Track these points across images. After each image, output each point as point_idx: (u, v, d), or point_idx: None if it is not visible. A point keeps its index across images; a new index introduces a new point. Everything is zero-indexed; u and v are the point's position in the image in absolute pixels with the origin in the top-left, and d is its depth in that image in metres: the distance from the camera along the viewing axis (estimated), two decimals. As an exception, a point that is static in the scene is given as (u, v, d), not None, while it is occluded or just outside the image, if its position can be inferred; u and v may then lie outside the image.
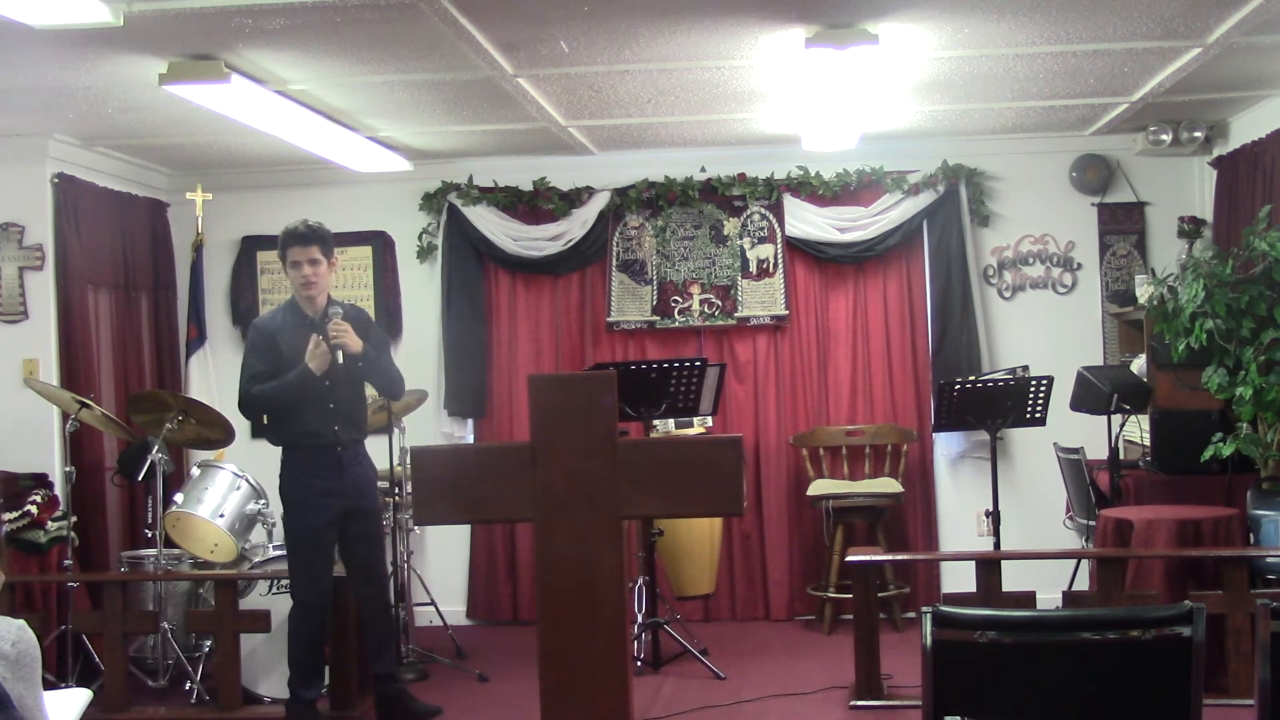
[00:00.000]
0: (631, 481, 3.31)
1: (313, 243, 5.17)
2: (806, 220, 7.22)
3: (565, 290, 7.41)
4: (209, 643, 5.86)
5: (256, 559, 5.92)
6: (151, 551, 6.03)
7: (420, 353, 7.42)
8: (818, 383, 7.29)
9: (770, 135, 6.80)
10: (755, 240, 7.29)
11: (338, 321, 5.10)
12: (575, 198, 7.34)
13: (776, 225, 7.26)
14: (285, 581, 5.77)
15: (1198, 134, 6.78)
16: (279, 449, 5.33)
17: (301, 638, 5.20)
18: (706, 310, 7.29)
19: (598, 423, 3.31)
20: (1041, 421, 5.87)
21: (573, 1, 4.35)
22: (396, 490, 6.30)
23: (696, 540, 6.69)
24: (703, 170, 7.30)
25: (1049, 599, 5.89)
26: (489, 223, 7.36)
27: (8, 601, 5.32)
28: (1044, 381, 5.80)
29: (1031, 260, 7.28)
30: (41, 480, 6.04)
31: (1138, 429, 6.46)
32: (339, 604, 5.53)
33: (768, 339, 7.30)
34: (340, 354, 5.09)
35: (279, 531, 6.16)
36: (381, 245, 7.50)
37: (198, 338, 7.23)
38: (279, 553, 5.93)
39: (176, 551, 6.05)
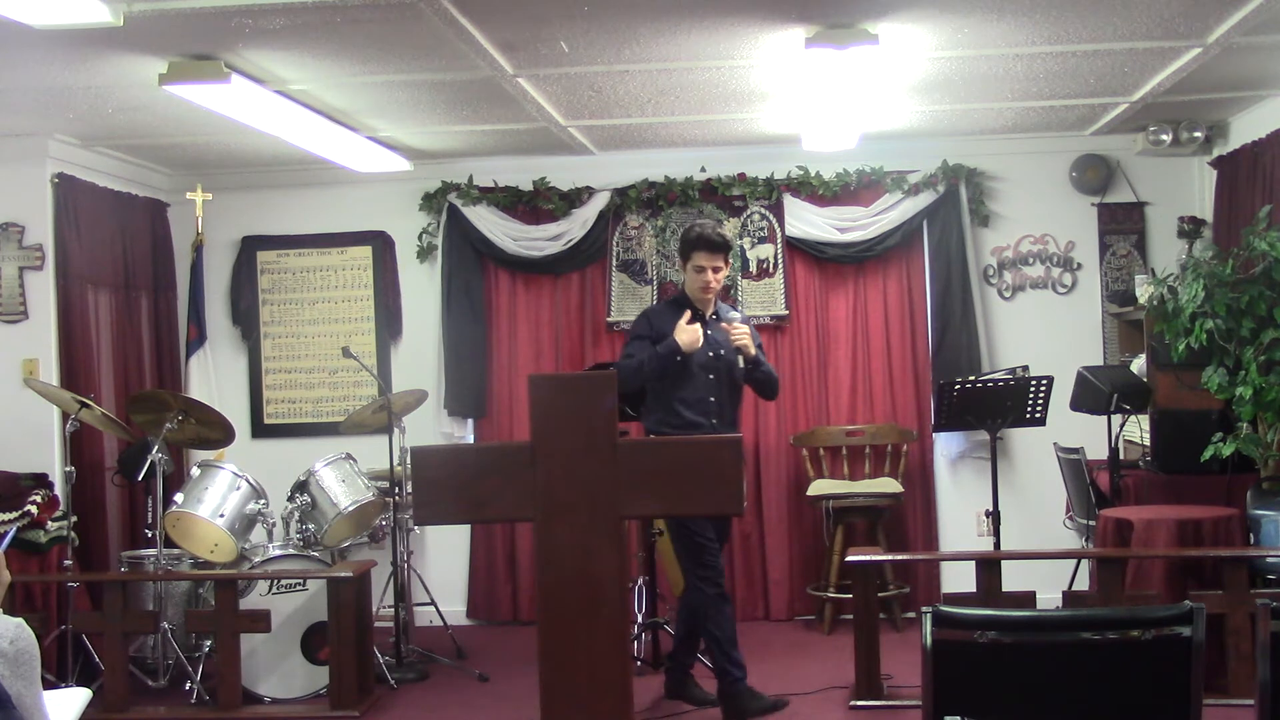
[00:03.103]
0: (631, 481, 3.31)
1: (721, 251, 5.22)
2: (806, 220, 7.22)
3: (565, 290, 7.41)
4: (209, 643, 5.85)
5: (256, 559, 5.92)
6: (151, 551, 6.03)
7: (420, 353, 7.43)
8: (818, 383, 7.29)
9: (770, 135, 6.80)
10: (755, 240, 7.29)
11: (738, 325, 5.20)
12: (575, 198, 7.34)
13: (776, 225, 7.26)
14: (285, 581, 5.79)
15: (1198, 134, 6.78)
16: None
17: (719, 618, 5.20)
18: (706, 310, 7.28)
19: (598, 423, 3.31)
20: (1041, 421, 5.87)
21: (573, 1, 4.35)
22: (396, 490, 6.30)
23: (696, 540, 6.67)
24: (703, 170, 7.30)
25: (1049, 599, 5.89)
26: (489, 223, 7.36)
27: (8, 601, 5.32)
28: (1044, 381, 5.80)
29: (1031, 260, 7.28)
30: (41, 480, 6.04)
31: (1138, 429, 6.46)
32: (339, 604, 5.54)
33: (768, 339, 7.28)
34: (741, 358, 5.21)
35: (279, 531, 6.18)
36: (381, 245, 7.50)
37: (198, 338, 7.23)
38: (279, 553, 5.93)
39: (176, 551, 6.05)
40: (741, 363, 5.23)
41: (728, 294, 7.26)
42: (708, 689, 5.42)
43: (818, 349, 7.28)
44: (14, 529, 5.51)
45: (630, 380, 5.22)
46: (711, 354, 5.22)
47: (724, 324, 5.24)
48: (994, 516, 5.92)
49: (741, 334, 5.20)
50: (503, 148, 7.01)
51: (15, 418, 6.18)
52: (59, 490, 6.00)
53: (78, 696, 3.82)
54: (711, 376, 5.23)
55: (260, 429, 7.54)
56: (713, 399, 5.22)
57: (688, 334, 5.10)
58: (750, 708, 5.22)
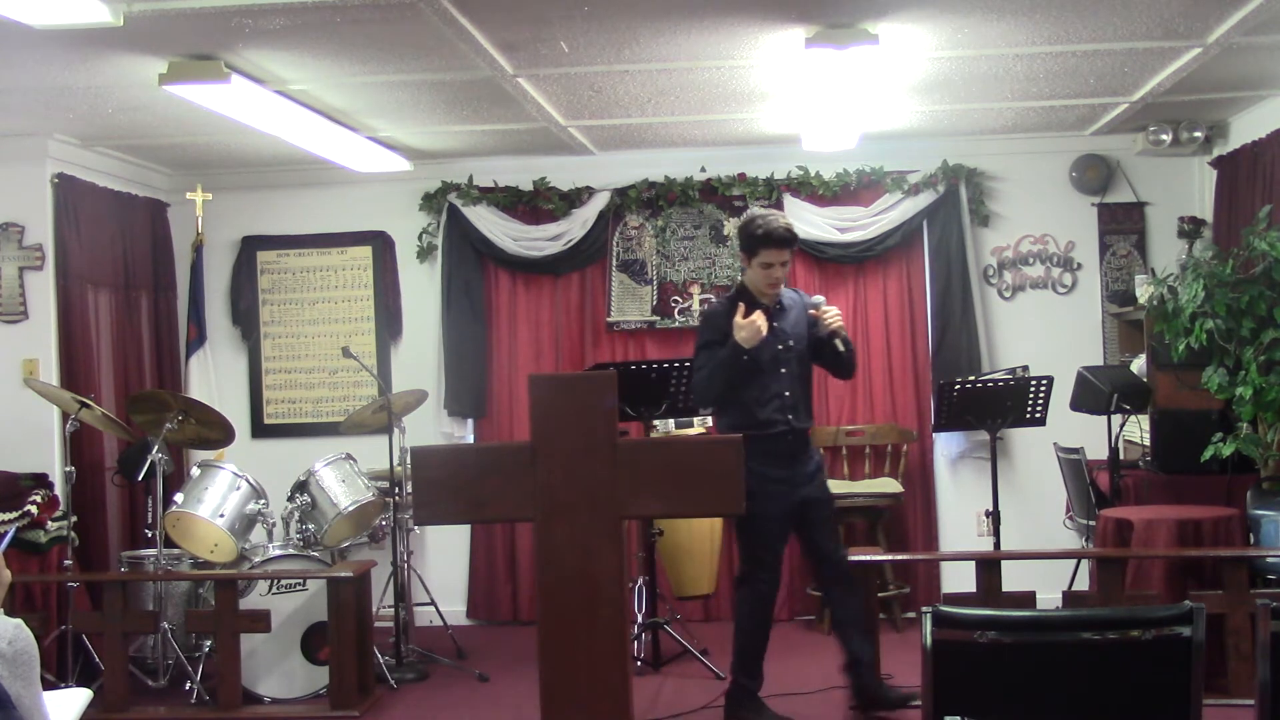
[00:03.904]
0: (631, 481, 3.31)
1: (789, 246, 5.06)
2: (806, 220, 7.21)
3: (565, 290, 7.41)
4: (209, 643, 5.85)
5: (256, 559, 5.92)
6: (151, 551, 6.03)
7: (420, 353, 7.43)
8: (818, 383, 7.24)
9: (770, 135, 6.80)
10: (755, 240, 7.27)
11: (826, 309, 5.05)
12: (575, 198, 7.34)
13: (776, 225, 7.25)
14: (285, 581, 5.79)
15: (1198, 134, 6.78)
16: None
17: (753, 625, 5.14)
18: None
19: (598, 423, 3.32)
20: (1041, 421, 5.87)
21: (573, 1, 4.35)
22: (396, 490, 6.30)
23: (696, 540, 6.68)
24: (703, 170, 7.30)
25: (1049, 599, 5.88)
26: (489, 223, 7.36)
27: (8, 602, 5.32)
28: (1044, 381, 5.80)
29: (1031, 260, 7.28)
30: (41, 480, 6.04)
31: (1138, 429, 6.46)
32: (339, 604, 5.54)
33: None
34: (839, 340, 5.05)
35: (279, 531, 6.18)
36: (381, 245, 7.50)
37: (198, 338, 7.23)
38: (279, 553, 5.93)
39: (176, 551, 6.05)
40: (840, 345, 5.05)
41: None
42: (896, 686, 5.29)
43: (818, 349, 7.28)
44: (14, 529, 5.50)
45: (705, 394, 5.11)
46: (781, 346, 5.06)
47: (812, 310, 5.07)
48: (994, 516, 5.92)
49: (836, 315, 5.05)
50: (503, 148, 7.01)
51: (15, 418, 6.18)
52: (59, 490, 6.00)
53: (78, 696, 3.82)
54: (783, 370, 5.07)
55: (260, 429, 7.54)
56: (787, 393, 5.06)
57: (746, 329, 4.89)
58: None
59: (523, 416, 7.23)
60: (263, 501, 6.09)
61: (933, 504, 7.29)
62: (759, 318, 4.91)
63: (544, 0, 4.36)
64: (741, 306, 4.98)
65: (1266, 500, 5.56)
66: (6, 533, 5.08)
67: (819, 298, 5.21)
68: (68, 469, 5.75)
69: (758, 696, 5.16)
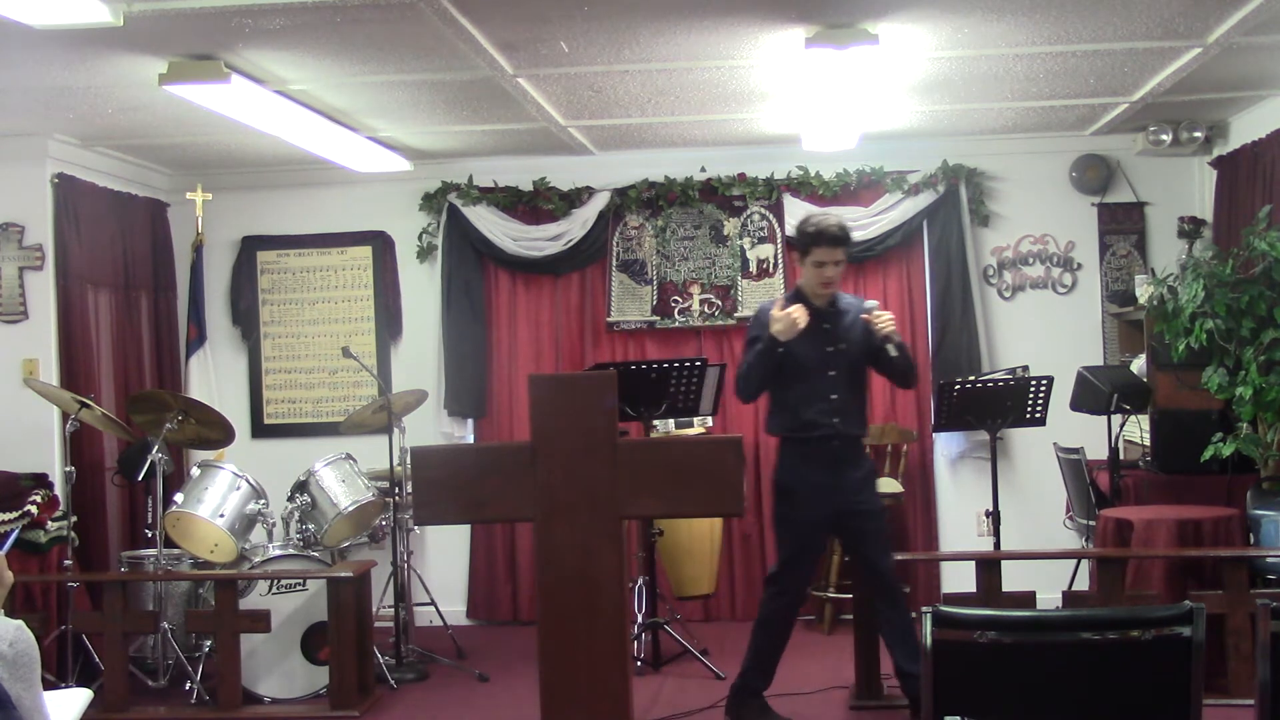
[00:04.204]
0: (631, 481, 3.31)
1: (842, 245, 4.99)
2: (806, 220, 7.22)
3: (565, 290, 7.41)
4: (209, 643, 5.85)
5: (256, 559, 5.92)
6: (151, 551, 6.03)
7: (420, 353, 7.43)
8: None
9: (770, 135, 6.80)
10: (755, 240, 7.29)
11: (880, 314, 4.97)
12: (575, 198, 7.34)
13: (776, 225, 7.26)
14: (285, 581, 5.79)
15: (1198, 134, 6.78)
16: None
17: (770, 627, 5.07)
18: (706, 310, 7.29)
19: (598, 423, 3.32)
20: (1041, 421, 5.87)
21: (573, 1, 4.35)
22: (396, 490, 6.30)
23: (696, 540, 6.68)
24: (703, 170, 7.30)
25: (1049, 599, 5.88)
26: (489, 223, 7.36)
27: (8, 602, 5.32)
28: (1044, 381, 5.80)
29: (1031, 260, 7.28)
30: (41, 480, 6.03)
31: (1138, 429, 6.46)
32: (339, 604, 5.54)
33: (768, 339, 7.29)
34: (891, 345, 4.95)
35: (279, 531, 6.18)
36: (381, 245, 7.50)
37: (198, 338, 7.23)
38: (279, 553, 5.94)
39: (176, 551, 6.05)
40: (892, 350, 4.96)
41: (728, 294, 7.27)
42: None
43: (818, 349, 7.27)
44: (16, 531, 5.50)
45: (743, 388, 5.05)
46: (831, 349, 4.98)
47: (864, 314, 4.99)
48: (994, 516, 5.92)
49: (889, 320, 4.97)
50: (503, 148, 7.01)
51: (15, 418, 6.18)
52: (59, 490, 6.00)
53: (78, 697, 3.83)
54: (832, 373, 4.97)
55: (260, 429, 7.54)
56: (834, 396, 4.95)
57: (782, 320, 4.83)
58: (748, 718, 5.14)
59: (523, 416, 7.23)
60: (263, 501, 6.09)
61: (933, 504, 7.29)
62: (796, 311, 4.86)
63: (544, 0, 4.36)
64: (779, 300, 4.96)
65: (1266, 500, 5.56)
66: (9, 536, 5.08)
67: (872, 302, 5.13)
68: (68, 469, 5.75)
69: (762, 696, 5.15)
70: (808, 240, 4.97)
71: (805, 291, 5.06)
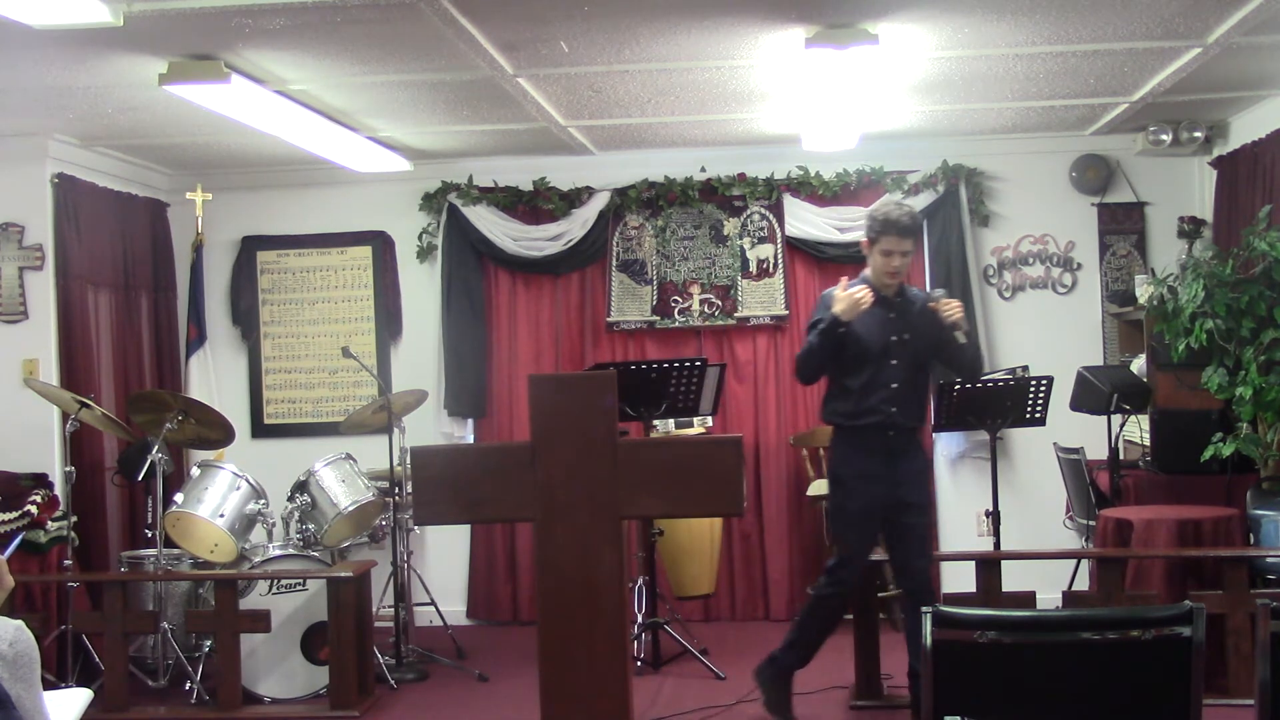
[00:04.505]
0: (631, 481, 3.31)
1: (911, 235, 4.96)
2: (806, 220, 7.22)
3: (565, 290, 7.41)
4: (209, 643, 5.85)
5: (256, 559, 5.92)
6: (151, 551, 6.03)
7: (420, 353, 7.43)
8: (818, 383, 7.27)
9: (770, 135, 6.80)
10: (755, 240, 7.29)
11: (948, 302, 4.93)
12: (575, 198, 7.34)
13: (776, 225, 7.26)
14: (285, 581, 5.79)
15: (1198, 134, 6.78)
16: None
17: (819, 614, 5.05)
18: (706, 310, 7.29)
19: (598, 423, 3.32)
20: (1041, 421, 5.87)
21: (573, 1, 4.35)
22: (396, 490, 6.30)
23: (696, 540, 6.69)
24: (703, 170, 7.30)
25: (1049, 599, 5.89)
26: (489, 223, 7.36)
27: (7, 603, 5.32)
28: (1044, 381, 5.80)
29: (1031, 260, 7.28)
30: (41, 480, 6.04)
31: (1138, 429, 6.46)
32: (339, 604, 5.54)
33: (768, 339, 7.30)
34: (960, 333, 4.91)
35: (279, 531, 6.18)
36: (381, 245, 7.50)
37: (198, 338, 7.23)
38: (279, 553, 5.94)
39: (176, 551, 6.05)
40: (961, 337, 4.92)
41: (727, 294, 7.27)
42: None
43: (818, 349, 7.27)
44: (20, 535, 5.49)
45: (803, 368, 5.03)
46: (894, 338, 4.93)
47: (931, 303, 4.95)
48: (994, 516, 5.92)
49: (956, 308, 4.92)
50: (503, 148, 7.01)
51: (15, 418, 6.18)
52: (59, 490, 6.00)
53: (78, 697, 3.82)
54: (894, 362, 4.92)
55: (260, 429, 7.54)
56: (895, 385, 4.91)
57: (845, 300, 4.79)
58: (772, 698, 5.14)
59: (523, 416, 7.23)
60: (263, 501, 6.09)
61: (933, 504, 7.28)
62: (860, 291, 4.83)
63: (544, 0, 4.36)
64: (844, 280, 4.92)
65: (1266, 500, 5.56)
66: (13, 540, 5.05)
67: (940, 290, 5.10)
68: (68, 469, 5.75)
69: (790, 675, 5.13)
70: (877, 229, 4.93)
71: (872, 281, 5.01)
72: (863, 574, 5.17)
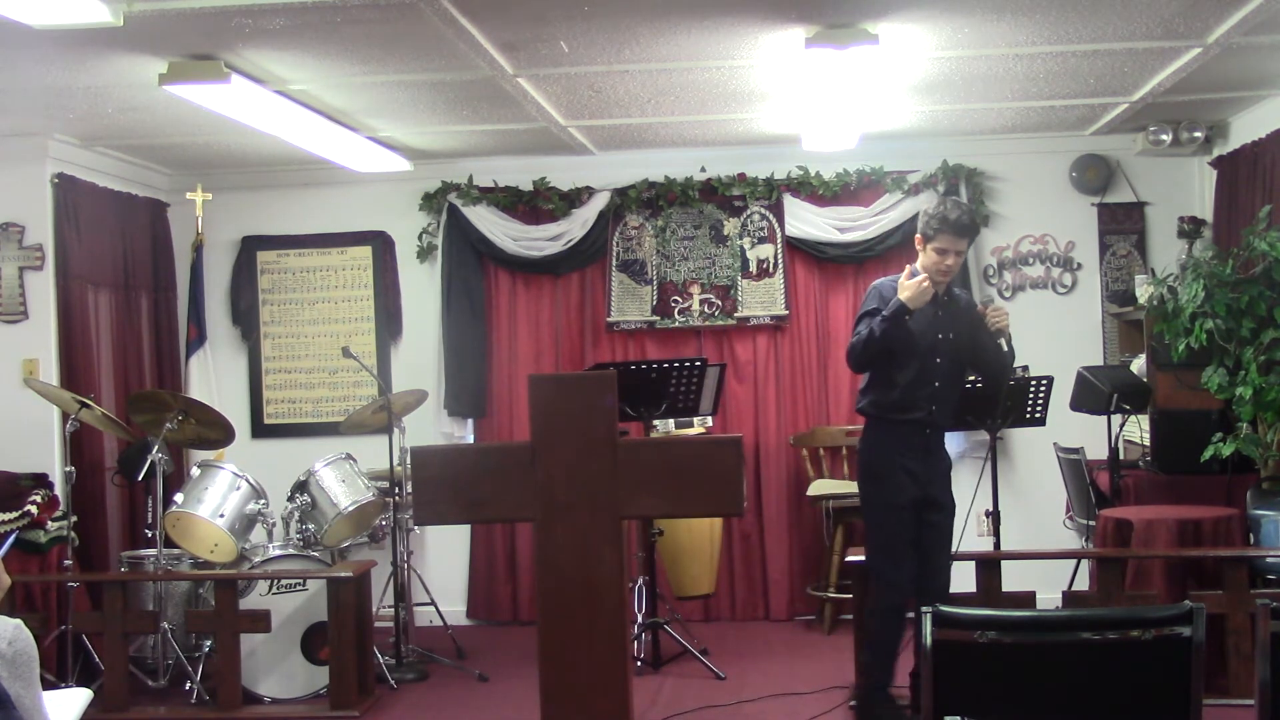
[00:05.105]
0: (631, 481, 3.31)
1: (967, 235, 4.92)
2: (806, 220, 7.22)
3: (565, 290, 7.40)
4: (209, 643, 5.85)
5: (256, 559, 5.92)
6: (151, 551, 6.03)
7: (420, 353, 7.43)
8: (818, 383, 7.29)
9: (770, 135, 6.80)
10: (755, 240, 7.29)
11: (998, 308, 4.94)
12: (575, 198, 7.34)
13: (776, 225, 7.26)
14: (285, 581, 5.79)
15: (1198, 134, 6.78)
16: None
17: (886, 632, 4.95)
18: (706, 310, 7.29)
19: (598, 423, 3.32)
20: (1041, 421, 5.87)
21: (573, 1, 4.35)
22: (396, 490, 6.30)
23: (696, 540, 6.69)
24: (703, 170, 7.30)
25: (1049, 599, 5.89)
26: (489, 223, 7.36)
27: (7, 602, 5.32)
28: (1044, 381, 5.80)
29: (1031, 260, 7.28)
30: (41, 480, 6.04)
31: (1138, 429, 6.46)
32: (339, 604, 5.54)
33: (768, 339, 7.30)
34: (1004, 340, 4.91)
35: (279, 531, 6.18)
36: (381, 245, 7.50)
37: (198, 338, 7.23)
38: (279, 553, 5.94)
39: (176, 551, 6.05)
40: (1004, 345, 4.93)
41: (727, 294, 7.27)
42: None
43: (817, 349, 7.28)
44: (15, 534, 5.49)
45: (861, 356, 4.93)
46: (941, 336, 4.94)
47: (980, 306, 4.97)
48: (994, 516, 5.92)
49: (1003, 315, 4.92)
50: (503, 148, 7.01)
51: (15, 418, 6.18)
52: (59, 490, 6.00)
53: (78, 697, 3.82)
54: (938, 360, 4.93)
55: (260, 429, 7.54)
56: (936, 383, 4.92)
57: (912, 287, 4.77)
58: (884, 715, 5.03)
59: (523, 416, 7.23)
60: (263, 501, 6.09)
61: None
62: (927, 280, 4.80)
63: (544, 0, 4.36)
64: (909, 269, 4.88)
65: (1266, 500, 5.56)
66: (8, 538, 5.07)
67: (991, 296, 5.06)
68: (68, 469, 5.75)
69: (888, 692, 5.01)
70: (934, 226, 4.88)
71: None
72: (912, 568, 4.93)
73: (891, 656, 4.99)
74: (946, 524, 5.02)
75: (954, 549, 5.09)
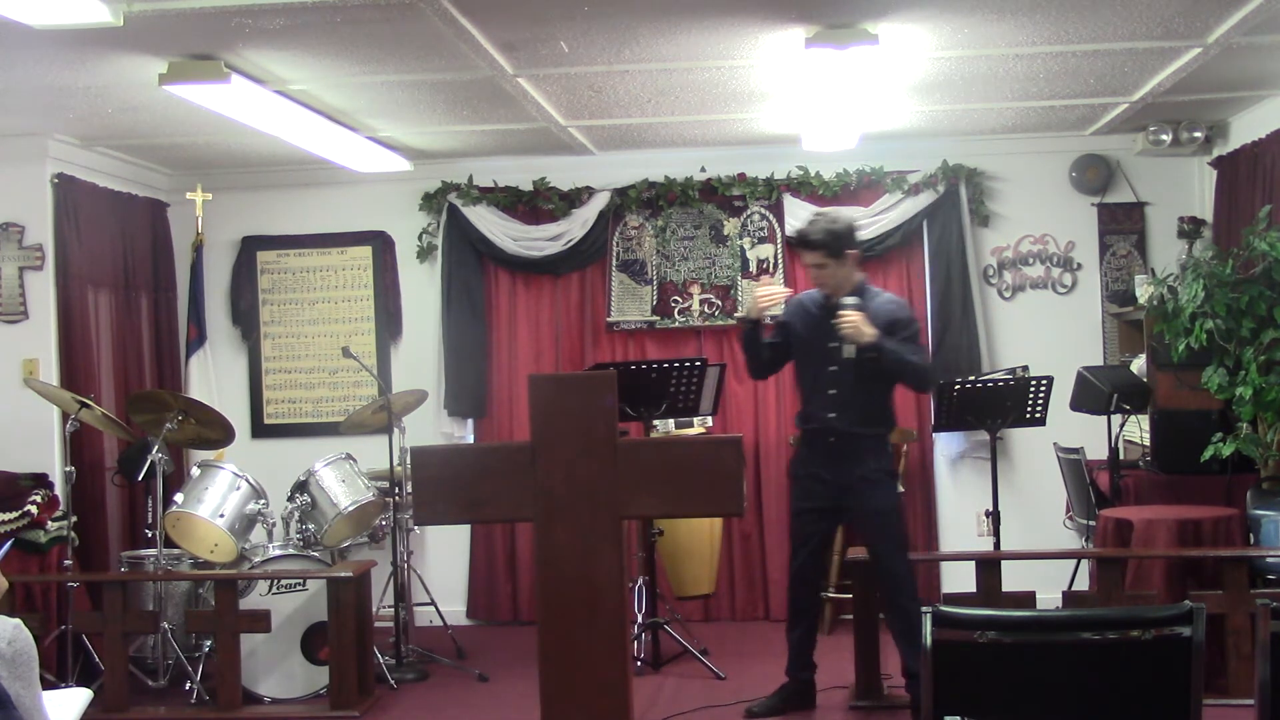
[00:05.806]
0: (631, 481, 3.30)
1: (807, 248, 5.18)
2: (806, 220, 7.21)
3: (565, 290, 7.40)
4: (209, 643, 5.85)
5: (256, 559, 5.92)
6: (151, 551, 6.03)
7: (420, 353, 7.43)
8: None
9: (770, 135, 6.80)
10: (755, 240, 7.28)
11: (843, 314, 5.01)
12: (575, 198, 7.34)
13: (776, 225, 7.26)
14: (285, 581, 5.79)
15: (1198, 134, 6.78)
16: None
17: (790, 614, 5.43)
18: (706, 310, 7.29)
19: (598, 423, 3.31)
20: (1041, 421, 5.87)
21: (573, 1, 4.35)
22: (396, 490, 6.30)
23: (696, 540, 6.68)
24: (703, 170, 7.30)
25: (1049, 599, 5.88)
26: (489, 223, 7.36)
27: (7, 602, 5.32)
28: (1044, 381, 5.80)
29: (1031, 260, 7.28)
30: (41, 480, 6.03)
31: (1138, 429, 6.46)
32: (339, 604, 5.54)
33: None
34: (848, 347, 4.98)
35: (279, 531, 6.18)
36: (381, 245, 7.50)
37: (198, 338, 7.23)
38: (279, 553, 5.94)
39: (176, 551, 6.05)
40: (850, 352, 4.96)
41: (728, 294, 7.26)
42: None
43: (818, 349, 7.27)
44: (12, 539, 5.48)
45: (747, 365, 5.37)
46: (834, 344, 5.03)
47: (840, 310, 5.03)
48: (994, 516, 5.92)
49: (848, 321, 4.95)
50: (503, 148, 7.00)
51: (15, 418, 6.18)
52: (59, 490, 5.99)
53: (78, 697, 3.82)
54: (832, 368, 5.07)
55: (260, 429, 7.54)
56: (832, 391, 5.07)
57: (750, 296, 5.02)
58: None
59: (523, 416, 7.23)
60: (263, 501, 6.09)
61: (933, 504, 7.28)
62: (763, 288, 5.12)
63: (544, 0, 4.36)
64: (765, 278, 5.14)
65: (1266, 500, 5.56)
66: (7, 540, 5.07)
67: (851, 299, 5.06)
68: (68, 469, 5.75)
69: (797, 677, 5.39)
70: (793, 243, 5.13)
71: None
72: (816, 570, 5.41)
73: (799, 651, 5.38)
74: (886, 528, 5.17)
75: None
